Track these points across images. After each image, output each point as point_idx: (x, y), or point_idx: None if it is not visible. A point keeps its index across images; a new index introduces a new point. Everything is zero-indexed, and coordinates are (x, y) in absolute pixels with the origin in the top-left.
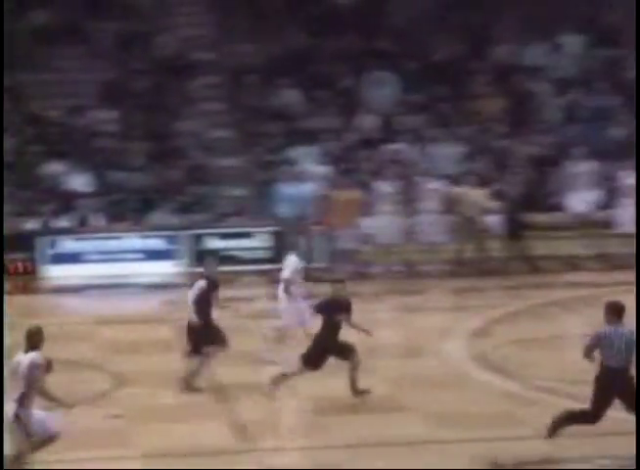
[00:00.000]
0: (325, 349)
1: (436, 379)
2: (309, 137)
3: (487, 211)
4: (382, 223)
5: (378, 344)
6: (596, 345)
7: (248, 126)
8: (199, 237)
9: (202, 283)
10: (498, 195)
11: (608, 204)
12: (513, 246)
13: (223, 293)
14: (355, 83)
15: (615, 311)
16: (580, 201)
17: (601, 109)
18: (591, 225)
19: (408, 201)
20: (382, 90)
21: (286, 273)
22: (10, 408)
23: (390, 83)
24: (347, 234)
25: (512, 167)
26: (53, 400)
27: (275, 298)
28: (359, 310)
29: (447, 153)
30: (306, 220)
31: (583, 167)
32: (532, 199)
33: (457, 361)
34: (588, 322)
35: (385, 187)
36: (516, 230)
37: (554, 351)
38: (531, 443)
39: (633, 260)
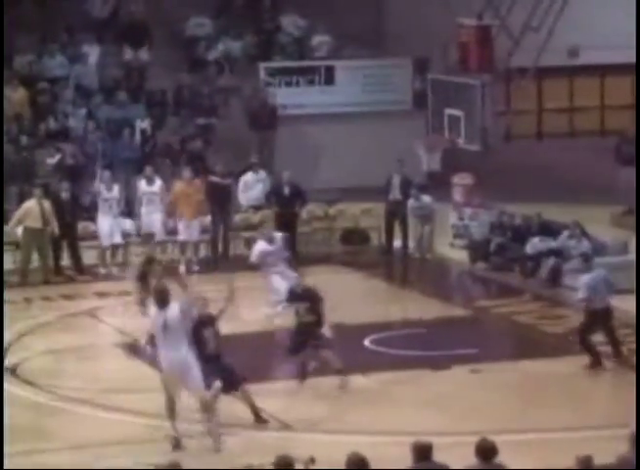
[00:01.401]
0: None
1: None
2: None
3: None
4: None
5: None
6: (588, 291)
7: None
8: None
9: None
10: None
11: (130, 213)
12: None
13: None
14: None
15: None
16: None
17: (123, 118)
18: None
19: None
20: None
21: None
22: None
23: None
24: None
25: (40, 178)
26: None
27: None
28: None
29: None
30: None
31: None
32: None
33: None
34: (116, 331)
35: None
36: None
37: (86, 360)
38: (60, 454)
39: None
